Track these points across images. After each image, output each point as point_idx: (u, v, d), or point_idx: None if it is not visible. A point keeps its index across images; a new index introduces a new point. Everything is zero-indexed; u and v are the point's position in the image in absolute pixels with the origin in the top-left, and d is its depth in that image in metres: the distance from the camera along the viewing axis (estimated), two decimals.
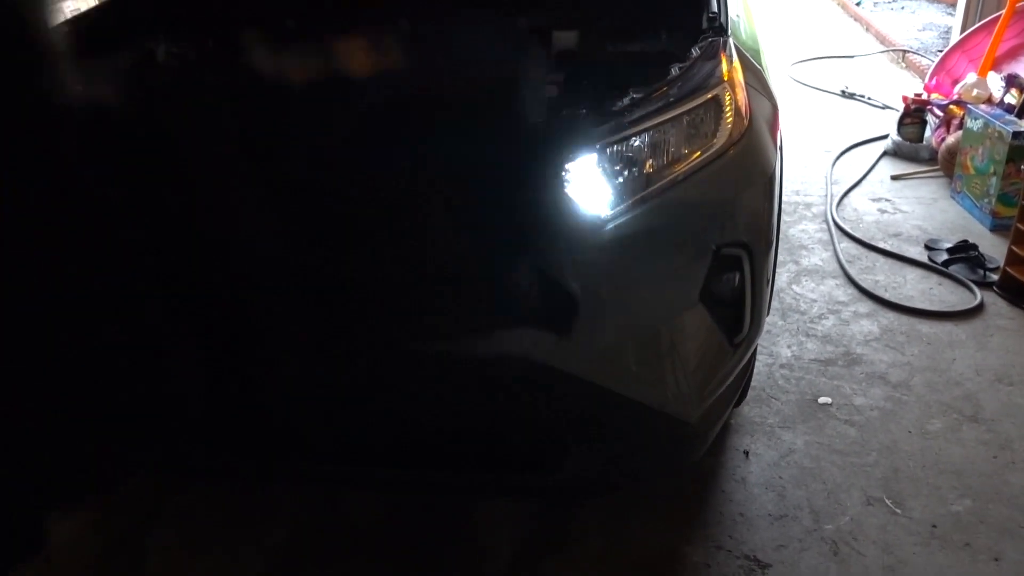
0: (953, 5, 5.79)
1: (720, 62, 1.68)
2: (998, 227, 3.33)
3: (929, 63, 5.01)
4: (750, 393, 2.33)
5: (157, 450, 1.72)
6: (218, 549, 1.99)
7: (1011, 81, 3.82)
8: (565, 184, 1.51)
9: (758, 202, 1.69)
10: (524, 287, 1.53)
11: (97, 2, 2.20)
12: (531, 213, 1.50)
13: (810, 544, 1.96)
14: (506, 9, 2.05)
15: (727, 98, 1.63)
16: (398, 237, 1.56)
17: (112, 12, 2.17)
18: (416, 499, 2.11)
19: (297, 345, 1.56)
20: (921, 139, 4.09)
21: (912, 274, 3.10)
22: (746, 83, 1.74)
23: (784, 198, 2.70)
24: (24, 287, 1.40)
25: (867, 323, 2.80)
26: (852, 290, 3.00)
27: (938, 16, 6.65)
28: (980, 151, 3.43)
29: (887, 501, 2.07)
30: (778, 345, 2.68)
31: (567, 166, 1.52)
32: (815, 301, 2.94)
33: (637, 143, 1.53)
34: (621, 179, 1.53)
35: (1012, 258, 2.92)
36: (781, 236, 2.17)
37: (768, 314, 2.00)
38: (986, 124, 3.39)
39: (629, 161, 1.53)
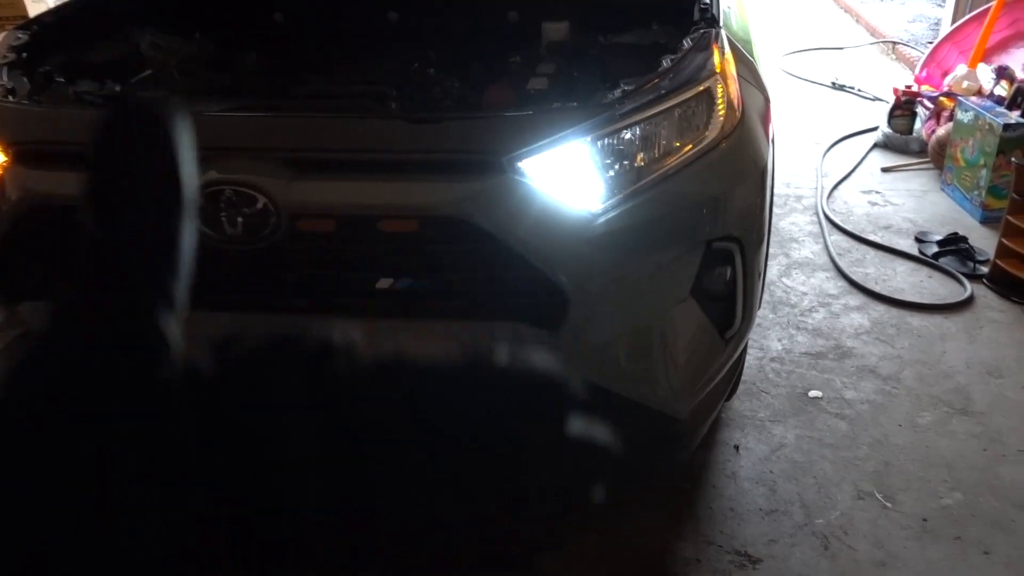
0: None
1: (712, 54, 1.65)
2: (988, 219, 3.33)
3: (919, 55, 5.01)
4: (741, 387, 2.31)
5: None
6: None
7: (1001, 73, 3.81)
8: (555, 178, 1.49)
9: (750, 195, 1.67)
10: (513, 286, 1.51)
11: None
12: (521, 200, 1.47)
13: (801, 539, 1.95)
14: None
15: (719, 90, 1.61)
16: None
17: None
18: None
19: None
20: (911, 131, 4.09)
21: (902, 267, 3.10)
22: (738, 75, 1.72)
23: (775, 190, 2.68)
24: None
25: (857, 316, 2.79)
26: (842, 283, 2.99)
27: (928, 8, 6.65)
28: (970, 143, 3.43)
29: (878, 495, 2.07)
30: (768, 339, 2.67)
31: (557, 160, 1.50)
32: (805, 294, 2.93)
33: (628, 136, 1.51)
34: (612, 172, 1.50)
35: (1002, 250, 2.91)
36: (772, 229, 2.16)
37: (759, 308, 1.99)
38: (976, 116, 3.39)
39: (620, 154, 1.51)
